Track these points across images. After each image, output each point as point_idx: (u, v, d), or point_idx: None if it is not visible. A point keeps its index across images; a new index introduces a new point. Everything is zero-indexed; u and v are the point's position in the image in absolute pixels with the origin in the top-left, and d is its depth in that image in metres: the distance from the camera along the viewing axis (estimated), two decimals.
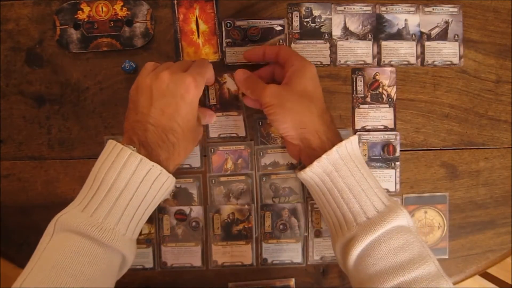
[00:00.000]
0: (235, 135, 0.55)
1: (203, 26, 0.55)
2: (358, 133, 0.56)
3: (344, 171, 0.43)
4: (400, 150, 0.57)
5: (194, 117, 0.46)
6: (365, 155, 0.56)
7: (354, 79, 0.56)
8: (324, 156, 0.43)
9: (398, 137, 0.56)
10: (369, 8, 0.56)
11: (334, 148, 0.43)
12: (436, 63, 0.56)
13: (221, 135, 0.55)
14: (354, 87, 0.56)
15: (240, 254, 0.56)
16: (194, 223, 0.56)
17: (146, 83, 0.44)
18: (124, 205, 0.41)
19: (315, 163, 0.43)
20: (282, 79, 0.49)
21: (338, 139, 0.45)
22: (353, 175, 0.44)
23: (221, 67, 0.55)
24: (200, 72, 0.46)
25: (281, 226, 0.56)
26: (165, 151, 0.44)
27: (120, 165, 0.41)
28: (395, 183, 0.56)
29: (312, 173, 0.44)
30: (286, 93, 0.45)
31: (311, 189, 0.48)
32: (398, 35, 0.56)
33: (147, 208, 0.44)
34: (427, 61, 0.56)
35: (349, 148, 0.44)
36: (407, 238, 0.42)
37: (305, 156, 0.46)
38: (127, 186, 0.41)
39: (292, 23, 0.55)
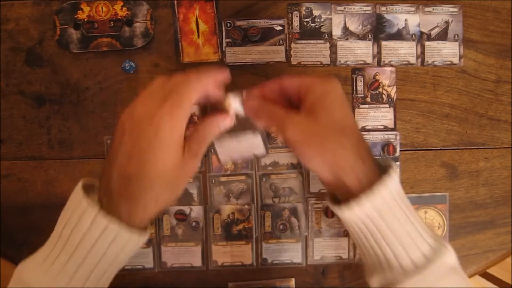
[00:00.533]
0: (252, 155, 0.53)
1: (203, 26, 0.55)
2: None
3: (388, 215, 0.38)
4: (400, 150, 0.57)
5: (170, 161, 0.38)
6: None
7: (354, 79, 0.56)
8: (365, 200, 0.38)
9: (398, 137, 0.56)
10: (369, 8, 0.56)
11: (377, 191, 0.38)
12: (436, 63, 0.56)
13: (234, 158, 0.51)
14: (354, 87, 0.56)
15: (240, 254, 0.56)
16: (194, 223, 0.56)
17: (122, 120, 0.39)
18: (78, 262, 0.37)
19: (356, 208, 0.38)
20: (297, 99, 0.41)
21: (376, 174, 0.39)
22: (398, 218, 0.39)
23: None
24: (177, 103, 0.37)
25: (281, 226, 0.56)
26: (128, 202, 0.37)
27: (76, 218, 0.37)
28: None
29: (353, 215, 0.39)
30: (312, 126, 0.38)
31: (348, 227, 0.42)
32: (398, 35, 0.56)
33: (109, 268, 0.39)
34: (427, 61, 0.56)
35: (392, 186, 0.39)
36: (454, 280, 0.38)
37: (340, 192, 0.41)
38: (81, 242, 0.37)
39: (292, 23, 0.55)
